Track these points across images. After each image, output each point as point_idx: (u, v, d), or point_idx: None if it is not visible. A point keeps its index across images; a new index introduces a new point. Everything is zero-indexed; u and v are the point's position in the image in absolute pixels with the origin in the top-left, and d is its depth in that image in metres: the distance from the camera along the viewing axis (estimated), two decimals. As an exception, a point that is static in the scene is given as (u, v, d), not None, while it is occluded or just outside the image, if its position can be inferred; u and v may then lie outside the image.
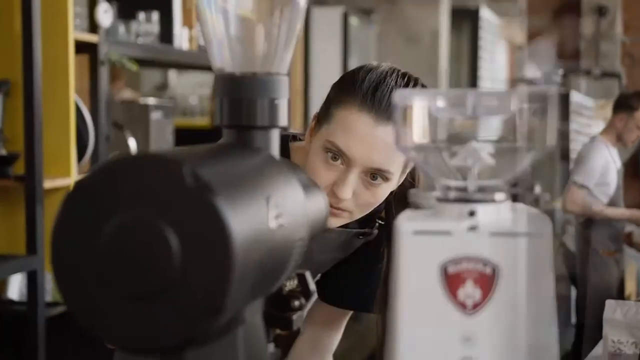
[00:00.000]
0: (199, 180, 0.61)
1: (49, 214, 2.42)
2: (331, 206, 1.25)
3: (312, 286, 0.87)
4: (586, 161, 4.18)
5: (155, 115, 3.04)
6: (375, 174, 1.24)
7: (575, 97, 7.16)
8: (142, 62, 3.17)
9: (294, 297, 0.85)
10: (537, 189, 6.44)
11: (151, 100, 3.17)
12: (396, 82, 1.27)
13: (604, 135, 4.31)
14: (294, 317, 0.83)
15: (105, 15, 2.63)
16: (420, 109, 0.72)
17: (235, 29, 0.83)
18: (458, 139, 0.74)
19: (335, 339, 1.55)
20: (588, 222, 4.27)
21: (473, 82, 7.32)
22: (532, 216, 0.73)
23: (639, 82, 9.99)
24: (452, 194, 0.72)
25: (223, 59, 0.83)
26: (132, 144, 2.94)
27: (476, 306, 0.68)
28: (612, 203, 4.24)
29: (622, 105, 4.23)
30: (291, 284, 0.89)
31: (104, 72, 2.67)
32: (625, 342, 1.89)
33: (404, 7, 5.44)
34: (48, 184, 2.43)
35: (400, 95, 0.72)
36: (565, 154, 7.13)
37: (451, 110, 0.72)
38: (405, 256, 0.70)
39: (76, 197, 0.64)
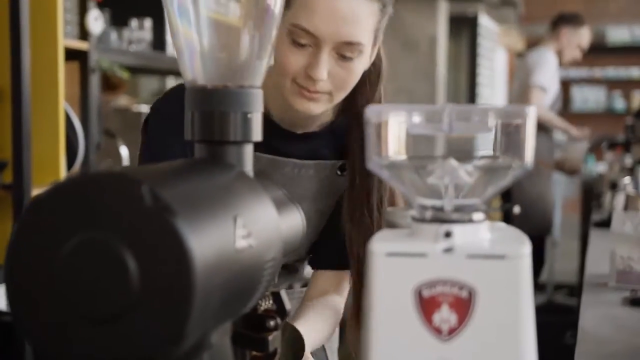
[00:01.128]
0: (159, 201, 0.59)
1: (37, 223, 2.39)
2: (308, 90, 1.23)
3: (288, 305, 0.85)
4: (542, 64, 4.22)
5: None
6: (346, 51, 1.21)
7: (483, 21, 7.15)
8: (137, 69, 3.14)
9: (270, 316, 0.82)
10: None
11: (145, 108, 3.14)
12: None
13: (547, 48, 4.37)
14: (270, 337, 0.80)
15: (95, 22, 2.60)
16: (394, 125, 0.69)
17: (207, 40, 0.80)
18: (434, 156, 0.72)
19: (343, 303, 1.50)
20: None
21: (471, 88, 7.30)
22: (510, 237, 0.70)
23: (535, 11, 10.00)
24: (428, 214, 0.69)
25: (194, 71, 0.81)
26: (124, 152, 2.91)
27: (452, 331, 0.65)
28: (551, 108, 4.33)
29: (568, 20, 4.31)
30: (266, 304, 0.86)
31: (94, 80, 2.64)
32: (637, 258, 1.76)
33: (402, 14, 5.41)
34: (36, 192, 2.39)
35: (373, 111, 0.69)
36: (473, 77, 7.18)
37: (427, 127, 0.69)
38: (378, 279, 0.67)
39: (33, 214, 0.61)
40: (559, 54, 4.30)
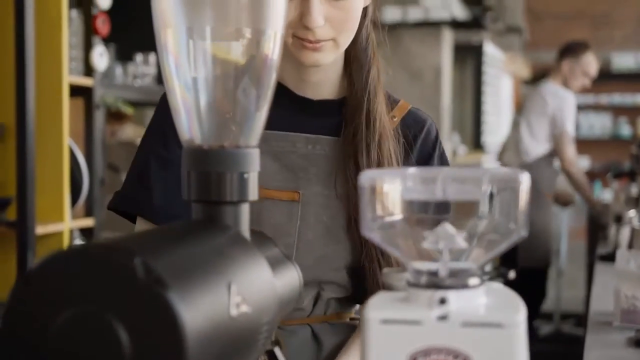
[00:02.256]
0: (151, 273, 0.59)
1: (40, 260, 2.39)
2: (310, 41, 1.17)
3: (284, 363, 0.84)
4: (568, 110, 4.25)
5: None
6: None
7: (488, 49, 7.15)
8: (142, 103, 3.16)
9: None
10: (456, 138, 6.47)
11: (149, 141, 3.15)
12: None
13: (553, 82, 4.38)
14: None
15: (100, 58, 2.62)
16: (388, 190, 0.69)
17: (204, 99, 0.80)
18: (429, 220, 0.71)
19: None
20: (534, 164, 4.32)
21: (477, 117, 7.31)
22: (506, 302, 0.70)
23: (541, 38, 10.03)
24: (423, 279, 0.69)
25: (191, 130, 0.81)
26: (128, 186, 2.91)
27: (447, 400, 0.65)
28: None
29: (568, 51, 4.35)
30: (262, 362, 0.86)
31: (99, 116, 2.65)
32: None
33: (407, 44, 5.43)
34: (41, 229, 2.40)
35: (367, 177, 0.69)
36: (478, 105, 7.19)
37: (421, 191, 0.69)
38: (372, 346, 0.66)
39: (26, 286, 0.61)
40: (565, 84, 4.32)
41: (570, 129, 4.22)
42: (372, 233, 0.70)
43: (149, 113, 3.96)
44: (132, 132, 3.83)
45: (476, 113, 7.33)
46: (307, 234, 1.22)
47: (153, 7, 0.80)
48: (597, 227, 4.64)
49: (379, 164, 1.21)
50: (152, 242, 0.65)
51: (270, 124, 1.27)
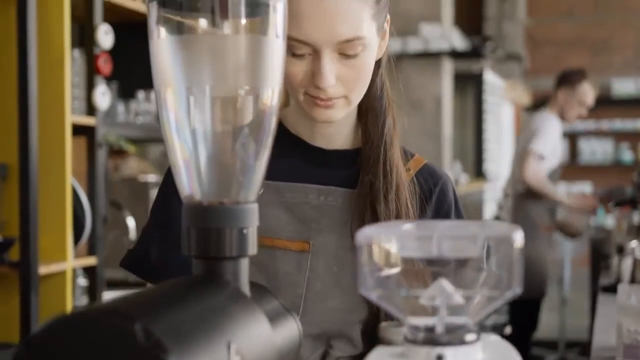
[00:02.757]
0: (151, 337, 0.60)
1: (44, 301, 2.40)
2: (321, 99, 1.16)
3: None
4: (542, 131, 4.25)
5: (155, 193, 3.02)
6: (347, 49, 1.13)
7: (488, 77, 7.17)
8: (144, 140, 3.18)
9: None
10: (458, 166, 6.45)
11: (151, 178, 3.17)
12: None
13: (550, 112, 4.39)
14: None
15: (102, 97, 2.64)
16: (384, 248, 0.70)
17: (204, 157, 0.81)
18: (426, 275, 0.72)
19: None
20: (528, 194, 4.29)
21: (478, 145, 7.32)
22: (504, 358, 0.70)
23: (541, 65, 10.06)
24: (420, 336, 0.70)
25: (191, 187, 0.82)
26: (131, 223, 2.92)
27: None
28: (550, 178, 4.33)
29: (563, 81, 4.36)
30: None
31: (101, 154, 2.67)
32: None
33: (407, 74, 5.47)
34: (43, 269, 2.41)
35: (363, 235, 0.70)
36: (479, 133, 7.19)
37: (417, 249, 0.70)
38: (371, 404, 0.67)
39: (27, 352, 0.62)
40: (562, 114, 4.34)
41: (537, 147, 4.23)
42: (369, 291, 0.71)
43: (151, 149, 3.99)
44: (136, 167, 3.85)
45: (477, 141, 7.35)
46: (316, 285, 1.20)
47: (152, 66, 0.82)
48: (599, 255, 4.63)
49: (398, 215, 1.19)
50: (151, 304, 0.66)
51: (284, 175, 1.28)
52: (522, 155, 4.28)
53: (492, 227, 0.73)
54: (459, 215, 1.30)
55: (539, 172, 4.20)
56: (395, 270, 0.72)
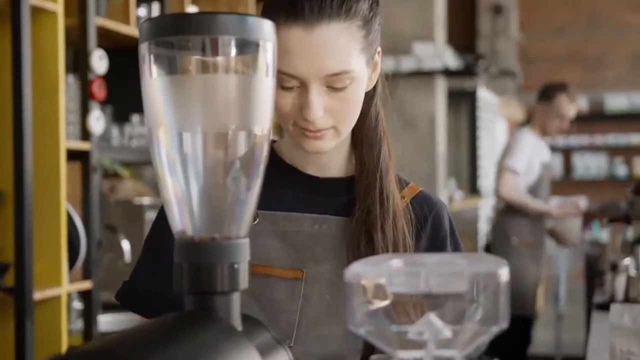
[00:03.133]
0: (144, 379, 0.61)
1: (39, 326, 2.40)
2: (310, 131, 1.16)
3: None
4: (516, 147, 4.27)
5: (150, 215, 3.04)
6: (335, 82, 1.13)
7: (482, 94, 7.20)
8: (138, 163, 3.19)
9: None
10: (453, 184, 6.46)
11: (146, 200, 3.18)
12: None
13: (530, 127, 4.40)
14: None
15: (97, 122, 2.65)
16: (373, 284, 0.72)
17: (195, 193, 0.83)
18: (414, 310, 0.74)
19: None
20: (506, 211, 4.28)
21: (472, 162, 7.35)
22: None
23: (534, 81, 10.11)
24: (409, 371, 0.71)
25: (183, 223, 0.83)
26: (126, 246, 2.93)
27: None
28: (531, 193, 4.31)
29: (542, 95, 4.38)
30: None
31: (95, 179, 2.68)
32: (637, 352, 1.71)
33: (401, 93, 5.50)
34: (38, 295, 2.41)
35: (352, 271, 0.72)
36: (473, 150, 7.20)
37: (405, 285, 0.71)
38: None
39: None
40: (543, 129, 4.35)
41: (510, 162, 4.24)
42: (357, 326, 0.72)
43: (146, 171, 4.00)
44: (131, 188, 3.86)
45: (471, 158, 7.38)
46: (309, 312, 1.20)
47: (145, 105, 0.83)
48: (594, 270, 4.64)
49: (395, 243, 1.20)
50: (145, 343, 0.67)
51: (279, 204, 1.29)
52: (498, 171, 4.32)
53: (479, 262, 0.74)
54: (455, 243, 1.31)
55: (514, 186, 4.20)
56: (383, 305, 0.73)
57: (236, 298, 0.82)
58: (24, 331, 2.33)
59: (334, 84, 1.14)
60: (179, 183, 0.83)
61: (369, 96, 1.25)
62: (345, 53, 1.13)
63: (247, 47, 0.81)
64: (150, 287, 1.25)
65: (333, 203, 1.27)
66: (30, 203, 2.39)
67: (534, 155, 4.26)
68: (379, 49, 1.22)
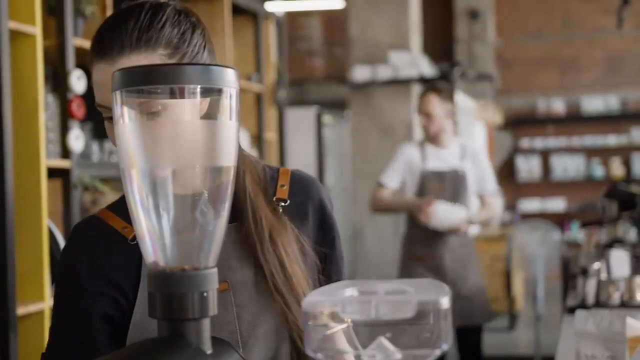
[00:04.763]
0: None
1: (22, 341, 2.46)
2: None
3: None
4: (391, 161, 4.16)
5: (131, 229, 3.09)
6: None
7: (459, 99, 7.31)
8: (118, 178, 3.25)
9: None
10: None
11: (126, 213, 3.22)
12: (125, 11, 1.22)
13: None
14: None
15: (77, 141, 2.71)
16: (328, 313, 0.79)
17: (166, 228, 0.90)
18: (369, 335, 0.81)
19: None
20: (405, 230, 4.18)
21: (451, 166, 7.42)
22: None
23: (512, 84, 10.27)
24: (362, 391, 0.78)
25: (155, 254, 0.90)
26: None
27: None
28: (421, 193, 4.08)
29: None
30: None
31: (76, 196, 2.74)
32: (600, 356, 1.77)
33: (378, 101, 5.58)
34: (21, 310, 2.47)
35: (308, 302, 0.79)
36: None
37: (358, 312, 0.79)
38: None
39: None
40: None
41: (380, 177, 4.15)
42: (315, 351, 0.79)
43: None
44: (112, 198, 3.91)
45: (450, 162, 7.45)
46: (245, 317, 1.27)
47: (118, 147, 0.90)
48: (569, 272, 4.72)
49: (279, 257, 1.26)
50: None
51: None
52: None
53: (424, 290, 0.81)
54: (331, 220, 1.36)
55: (375, 196, 4.12)
56: (337, 332, 0.81)
57: (206, 323, 0.89)
58: (8, 346, 2.39)
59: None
60: (150, 218, 0.90)
61: None
62: None
63: (212, 93, 0.88)
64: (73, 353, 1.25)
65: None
66: (12, 220, 2.45)
67: (410, 165, 4.10)
68: None
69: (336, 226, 1.39)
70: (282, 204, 1.31)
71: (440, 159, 4.10)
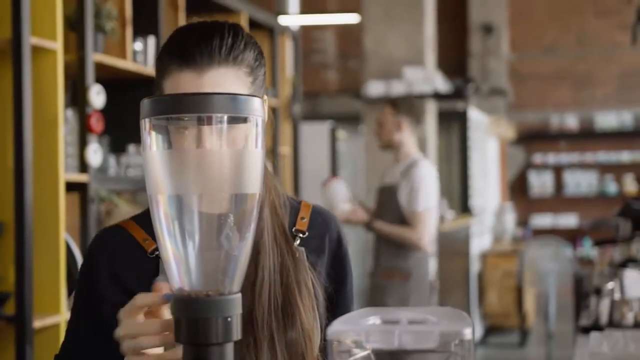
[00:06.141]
0: None
1: (38, 353, 2.48)
2: None
3: None
4: None
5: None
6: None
7: (473, 114, 7.30)
8: (135, 191, 3.27)
9: None
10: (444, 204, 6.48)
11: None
12: (206, 26, 1.24)
13: None
14: None
15: (95, 155, 2.74)
16: (351, 342, 0.80)
17: (192, 255, 0.91)
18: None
19: None
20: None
21: (464, 181, 7.43)
22: None
23: (525, 99, 10.24)
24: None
25: (181, 280, 0.92)
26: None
27: None
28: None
29: None
30: None
31: (93, 209, 2.76)
32: None
33: (392, 115, 5.57)
34: (38, 323, 2.49)
35: (332, 331, 0.80)
36: (464, 169, 7.25)
37: (381, 342, 0.80)
38: None
39: None
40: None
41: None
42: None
43: (142, 196, 4.09)
44: (127, 214, 3.93)
45: (463, 177, 7.46)
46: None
47: (146, 174, 0.92)
48: (582, 290, 4.70)
49: (251, 280, 1.25)
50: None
51: None
52: None
53: (447, 319, 0.82)
54: (345, 256, 1.38)
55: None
56: (361, 356, 0.82)
57: (229, 348, 0.91)
58: (24, 357, 2.41)
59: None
60: (176, 244, 0.91)
61: None
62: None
63: (238, 121, 0.90)
64: (89, 350, 1.27)
65: None
66: (30, 234, 2.47)
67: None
68: (266, 97, 1.28)
69: (350, 264, 1.39)
70: (301, 235, 1.33)
71: (390, 175, 4.11)
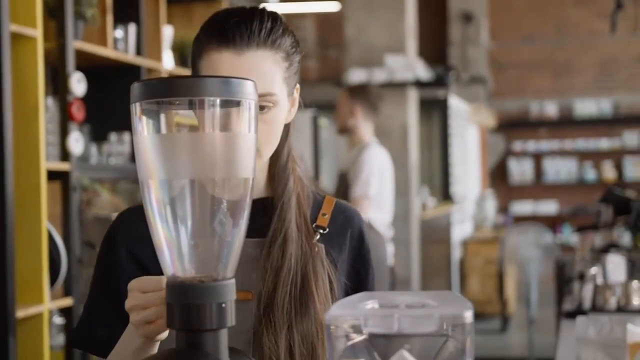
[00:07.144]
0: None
1: (21, 343, 2.45)
2: None
3: None
4: None
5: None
6: (261, 102, 1.19)
7: (453, 102, 7.34)
8: (117, 180, 3.24)
9: None
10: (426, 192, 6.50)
11: (124, 216, 3.22)
12: (246, 10, 1.25)
13: None
14: None
15: (76, 143, 2.71)
16: (349, 326, 0.79)
17: (184, 239, 0.90)
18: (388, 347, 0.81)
19: None
20: None
21: (444, 169, 7.45)
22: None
23: (505, 87, 10.30)
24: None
25: (174, 266, 0.90)
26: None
27: None
28: None
29: None
30: None
31: (75, 198, 2.73)
32: None
33: (373, 103, 5.56)
34: (21, 313, 2.46)
35: (330, 315, 0.79)
36: (445, 157, 7.29)
37: (380, 326, 0.79)
38: None
39: None
40: None
41: None
42: (336, 363, 0.79)
43: (124, 186, 4.06)
44: (108, 202, 3.90)
45: (444, 165, 7.48)
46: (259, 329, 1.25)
47: (137, 159, 0.90)
48: (564, 275, 4.72)
49: (278, 266, 1.25)
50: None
51: None
52: None
53: (446, 303, 0.81)
54: (367, 254, 1.37)
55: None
56: (359, 341, 0.81)
57: (224, 334, 0.90)
58: (7, 348, 2.38)
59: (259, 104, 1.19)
60: (169, 229, 0.90)
61: (285, 132, 1.31)
62: (271, 77, 1.22)
63: (231, 105, 0.89)
64: (108, 329, 1.26)
65: (258, 225, 1.28)
66: (12, 223, 2.44)
67: None
68: (298, 86, 1.30)
69: (372, 263, 1.38)
70: (321, 231, 1.32)
71: (345, 161, 4.20)
